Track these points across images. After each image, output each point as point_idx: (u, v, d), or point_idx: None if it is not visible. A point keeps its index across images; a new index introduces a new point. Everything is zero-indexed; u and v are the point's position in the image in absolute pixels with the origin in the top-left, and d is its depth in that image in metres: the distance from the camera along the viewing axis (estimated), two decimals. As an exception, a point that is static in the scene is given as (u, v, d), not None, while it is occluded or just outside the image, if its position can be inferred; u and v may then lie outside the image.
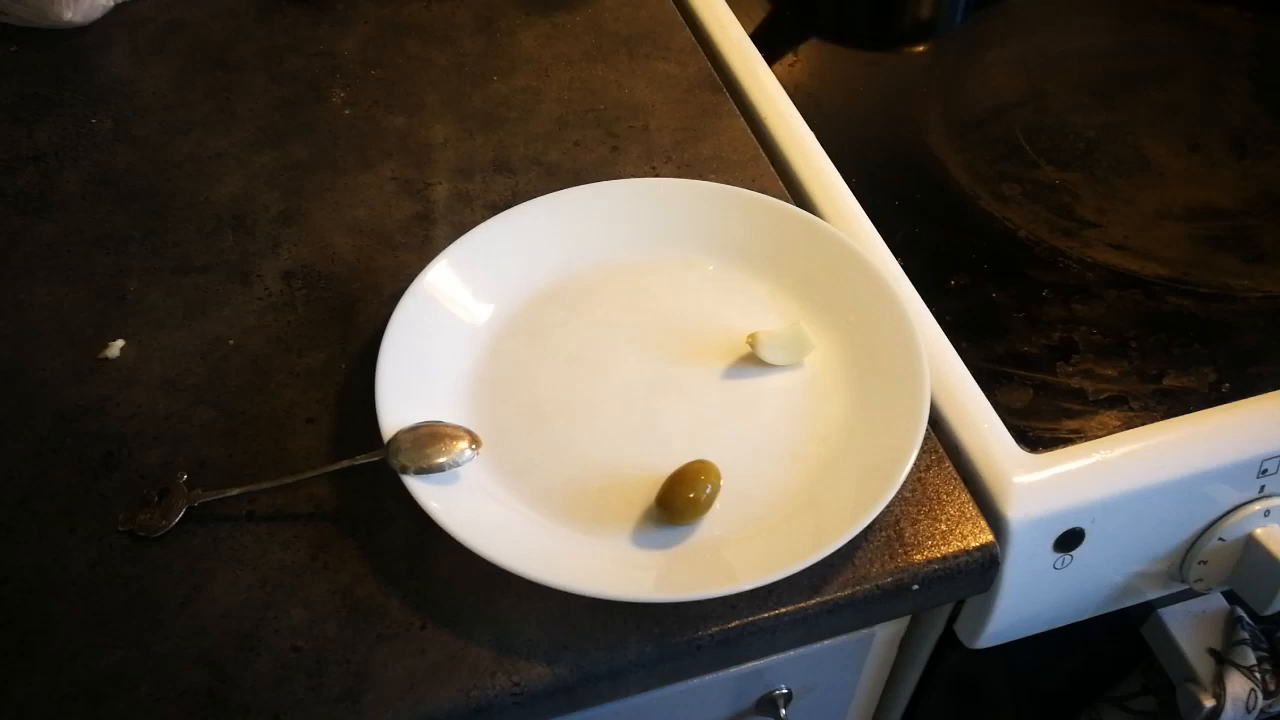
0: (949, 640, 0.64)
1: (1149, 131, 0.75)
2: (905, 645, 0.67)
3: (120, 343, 0.62)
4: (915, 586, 0.53)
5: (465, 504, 0.52)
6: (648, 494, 0.53)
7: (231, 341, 0.62)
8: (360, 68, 0.79)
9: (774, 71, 0.77)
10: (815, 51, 0.83)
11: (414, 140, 0.73)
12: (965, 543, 0.53)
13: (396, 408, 0.55)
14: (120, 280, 0.65)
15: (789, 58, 0.81)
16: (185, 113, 0.76)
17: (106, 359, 0.61)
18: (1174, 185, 0.71)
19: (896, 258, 0.64)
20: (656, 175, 0.70)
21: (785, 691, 0.63)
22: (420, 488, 0.51)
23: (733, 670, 0.59)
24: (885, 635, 0.64)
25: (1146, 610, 0.70)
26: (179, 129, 0.75)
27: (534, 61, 0.79)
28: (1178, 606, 0.69)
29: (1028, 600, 0.59)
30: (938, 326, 0.61)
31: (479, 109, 0.76)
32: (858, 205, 0.68)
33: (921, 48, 0.84)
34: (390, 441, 0.54)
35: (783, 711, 0.63)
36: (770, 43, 0.81)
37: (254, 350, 0.62)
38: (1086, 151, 0.74)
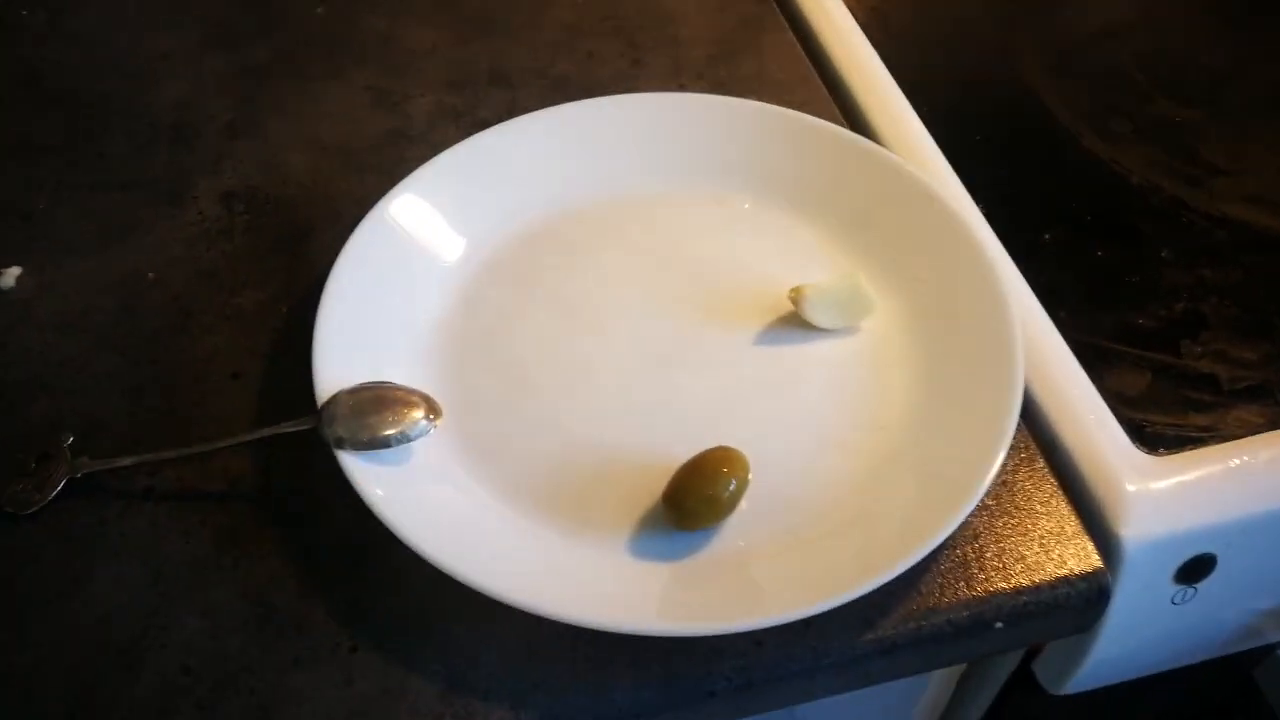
0: (1023, 679, 0.52)
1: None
2: (965, 682, 0.55)
3: (16, 270, 0.53)
4: (998, 624, 0.41)
5: (416, 491, 0.42)
6: (653, 489, 0.42)
7: (151, 275, 0.52)
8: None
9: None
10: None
11: (396, 45, 0.63)
12: (1065, 568, 0.42)
13: (338, 363, 0.44)
14: (29, 196, 0.56)
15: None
16: (130, 6, 0.66)
17: (-2, 289, 0.52)
18: (1324, 128, 0.59)
19: (978, 204, 0.54)
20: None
21: (816, 734, 0.51)
22: (358, 468, 0.41)
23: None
24: (944, 672, 0.53)
25: (1264, 649, 0.57)
26: (122, 25, 0.65)
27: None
28: (1304, 648, 0.57)
29: (1133, 640, 0.48)
30: (1029, 290, 0.51)
31: (476, 11, 0.65)
32: (931, 140, 0.57)
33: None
34: (325, 405, 0.43)
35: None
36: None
37: (177, 286, 0.52)
38: (1213, 85, 0.62)
